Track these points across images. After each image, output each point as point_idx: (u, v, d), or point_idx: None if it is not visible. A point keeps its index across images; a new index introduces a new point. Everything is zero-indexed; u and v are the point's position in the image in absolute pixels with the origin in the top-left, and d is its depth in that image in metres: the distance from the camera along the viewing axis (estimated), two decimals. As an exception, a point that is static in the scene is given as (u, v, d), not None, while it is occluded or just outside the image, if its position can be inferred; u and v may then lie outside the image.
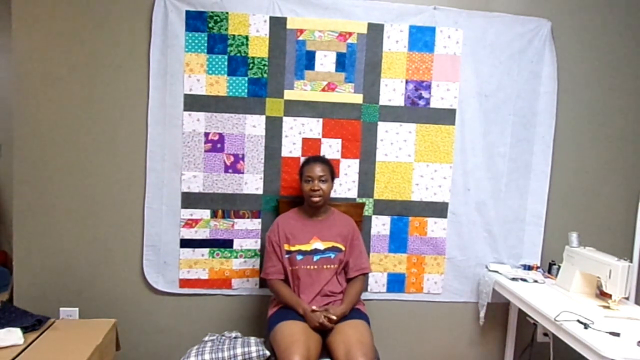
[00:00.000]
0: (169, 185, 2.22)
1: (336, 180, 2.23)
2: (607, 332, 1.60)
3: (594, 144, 2.41)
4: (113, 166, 2.20)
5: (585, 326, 1.64)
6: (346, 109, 2.26)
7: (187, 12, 2.15)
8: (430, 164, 2.32)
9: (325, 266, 1.98)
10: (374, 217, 2.32)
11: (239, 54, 2.19)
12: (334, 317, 1.81)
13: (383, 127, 2.29)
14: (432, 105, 2.29)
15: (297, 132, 2.25)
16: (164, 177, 2.21)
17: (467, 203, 2.34)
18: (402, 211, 2.32)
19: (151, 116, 2.18)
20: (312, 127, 2.26)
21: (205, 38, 2.17)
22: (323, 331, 1.84)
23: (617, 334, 1.59)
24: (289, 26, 2.21)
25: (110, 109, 2.17)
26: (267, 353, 1.85)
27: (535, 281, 2.16)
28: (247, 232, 2.27)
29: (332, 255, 1.99)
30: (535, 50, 2.30)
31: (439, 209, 2.34)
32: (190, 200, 2.23)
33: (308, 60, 2.23)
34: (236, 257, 2.28)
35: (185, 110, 2.20)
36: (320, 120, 2.26)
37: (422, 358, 2.45)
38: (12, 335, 1.76)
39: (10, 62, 2.16)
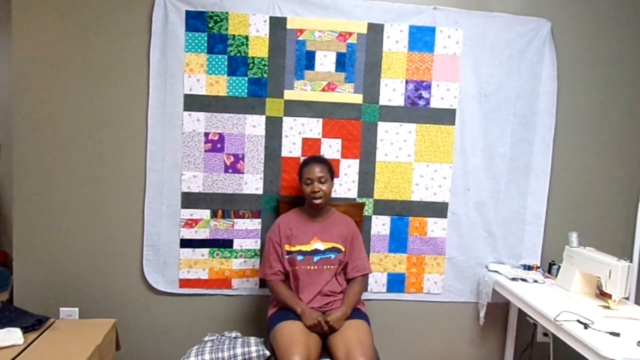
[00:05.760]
0: (169, 185, 2.22)
1: (336, 180, 2.24)
2: (607, 332, 1.60)
3: (594, 144, 2.41)
4: (113, 166, 2.20)
5: (585, 326, 1.64)
6: (346, 109, 2.26)
7: (187, 12, 2.15)
8: (430, 164, 2.32)
9: (325, 266, 1.98)
10: (374, 217, 2.32)
11: (239, 54, 2.19)
12: (330, 321, 1.81)
13: (383, 127, 2.29)
14: (432, 105, 2.29)
15: (297, 132, 2.25)
16: (164, 177, 2.21)
17: (467, 203, 2.34)
18: (402, 211, 2.32)
19: (151, 116, 2.18)
20: (312, 127, 2.26)
21: (205, 38, 2.17)
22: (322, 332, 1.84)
23: (617, 334, 1.59)
24: (289, 26, 2.21)
25: (110, 109, 2.17)
26: (267, 353, 1.85)
27: (535, 281, 2.16)
28: (247, 232, 2.27)
29: (332, 256, 1.99)
30: (535, 50, 2.30)
31: (439, 209, 2.34)
32: (190, 200, 2.23)
33: (308, 60, 2.23)
34: (236, 257, 2.28)
35: (185, 110, 2.20)
36: (320, 120, 2.26)
37: (422, 358, 2.45)
38: (12, 335, 1.76)
39: (10, 62, 2.16)
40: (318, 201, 1.98)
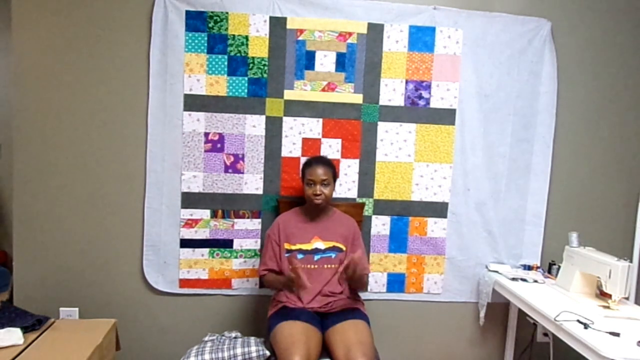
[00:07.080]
0: (169, 185, 2.22)
1: (336, 180, 2.23)
2: (607, 332, 1.60)
3: (594, 143, 2.41)
4: (113, 166, 2.20)
5: (585, 326, 1.64)
6: (346, 109, 2.26)
7: (187, 12, 2.15)
8: (430, 164, 2.32)
9: (325, 266, 1.98)
10: (374, 217, 2.32)
11: (239, 54, 2.19)
12: (354, 259, 1.74)
13: (383, 127, 2.29)
14: (432, 105, 2.29)
15: (297, 132, 2.25)
16: (164, 177, 2.21)
17: (467, 203, 2.34)
18: (402, 211, 2.32)
19: (151, 116, 2.18)
20: (312, 127, 2.26)
21: (205, 38, 2.17)
22: (323, 330, 1.85)
23: (617, 334, 1.59)
24: (289, 26, 2.20)
25: (110, 109, 2.18)
26: (267, 353, 1.85)
27: (535, 281, 2.16)
28: (247, 232, 2.27)
29: (333, 255, 1.99)
30: (535, 50, 2.30)
31: (439, 209, 2.34)
32: (190, 200, 2.23)
33: (308, 60, 2.23)
34: (236, 257, 2.28)
35: (185, 110, 2.20)
36: (320, 120, 2.26)
37: (422, 358, 2.45)
38: (12, 335, 1.76)
39: (10, 62, 2.16)
40: (318, 201, 1.98)
